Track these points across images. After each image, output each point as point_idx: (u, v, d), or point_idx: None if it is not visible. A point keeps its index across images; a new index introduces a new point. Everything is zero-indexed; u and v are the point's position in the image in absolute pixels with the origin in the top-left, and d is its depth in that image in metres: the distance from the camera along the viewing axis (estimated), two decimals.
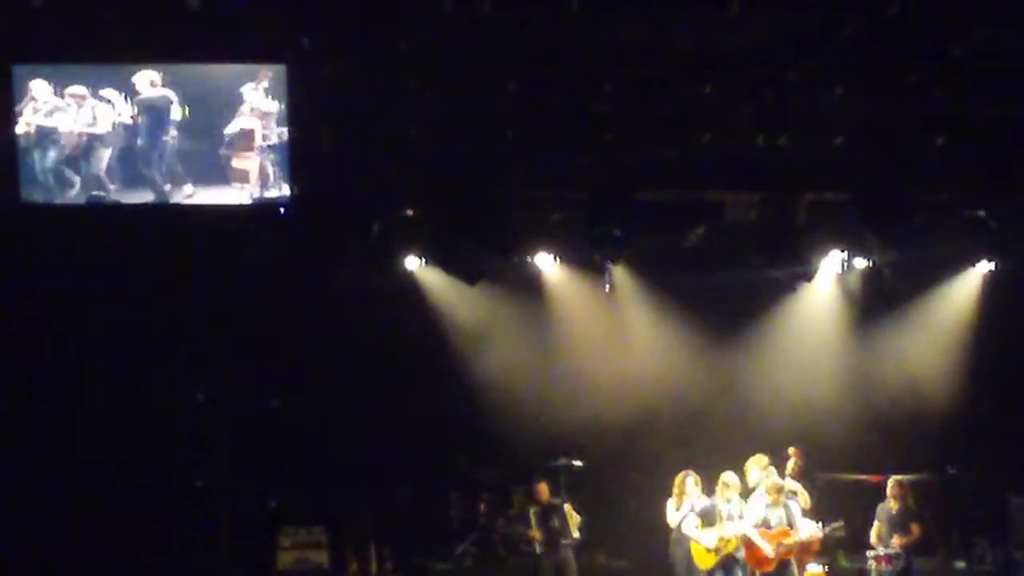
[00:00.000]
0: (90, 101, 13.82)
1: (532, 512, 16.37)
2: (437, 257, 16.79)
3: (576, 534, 16.33)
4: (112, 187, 13.97)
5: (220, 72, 13.85)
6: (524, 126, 14.53)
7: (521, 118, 14.43)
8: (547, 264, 17.35)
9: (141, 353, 17.28)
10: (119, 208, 14.05)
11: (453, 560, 17.84)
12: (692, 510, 15.41)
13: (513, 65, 13.75)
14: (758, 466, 15.71)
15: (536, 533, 16.24)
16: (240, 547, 17.34)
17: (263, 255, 16.18)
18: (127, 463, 17.16)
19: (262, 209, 14.17)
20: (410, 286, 17.41)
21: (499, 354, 18.14)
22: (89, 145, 13.92)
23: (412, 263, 17.11)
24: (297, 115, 13.80)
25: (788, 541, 15.00)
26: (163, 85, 13.79)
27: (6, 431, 16.59)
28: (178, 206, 14.05)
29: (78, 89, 13.79)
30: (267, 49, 13.59)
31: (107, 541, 16.84)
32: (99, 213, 14.17)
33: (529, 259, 17.20)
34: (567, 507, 16.38)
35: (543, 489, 16.44)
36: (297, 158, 13.93)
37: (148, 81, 13.78)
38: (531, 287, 17.81)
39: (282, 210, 14.21)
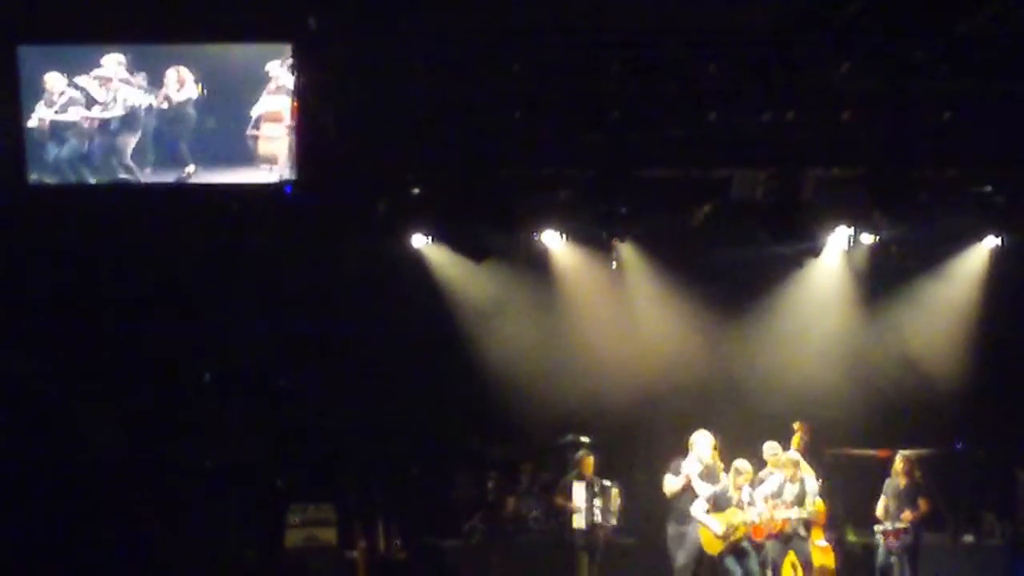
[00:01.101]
0: (116, 84, 13.66)
1: (576, 485, 16.26)
2: (444, 235, 16.78)
3: (615, 519, 16.29)
4: (136, 168, 13.87)
5: (242, 50, 13.59)
6: (530, 104, 14.51)
7: (527, 97, 14.41)
8: (554, 242, 17.33)
9: (149, 333, 17.30)
10: (130, 188, 14.01)
11: (461, 537, 17.87)
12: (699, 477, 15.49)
13: (519, 44, 13.72)
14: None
15: (577, 505, 16.16)
16: (249, 525, 17.37)
17: (270, 235, 16.17)
18: (136, 443, 17.20)
19: (269, 189, 14.13)
20: (417, 264, 17.41)
21: (506, 331, 18.14)
22: (112, 128, 13.78)
23: (419, 241, 17.10)
24: (303, 94, 13.75)
25: (779, 516, 15.06)
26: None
27: (13, 410, 16.65)
28: (185, 186, 14.00)
29: (103, 71, 13.64)
30: (273, 29, 13.53)
31: (115, 520, 16.88)
32: (109, 193, 14.16)
33: (536, 237, 17.19)
34: (615, 491, 16.31)
35: (589, 463, 16.35)
36: (303, 138, 13.88)
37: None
38: (538, 265, 17.80)
39: (288, 190, 14.20)
